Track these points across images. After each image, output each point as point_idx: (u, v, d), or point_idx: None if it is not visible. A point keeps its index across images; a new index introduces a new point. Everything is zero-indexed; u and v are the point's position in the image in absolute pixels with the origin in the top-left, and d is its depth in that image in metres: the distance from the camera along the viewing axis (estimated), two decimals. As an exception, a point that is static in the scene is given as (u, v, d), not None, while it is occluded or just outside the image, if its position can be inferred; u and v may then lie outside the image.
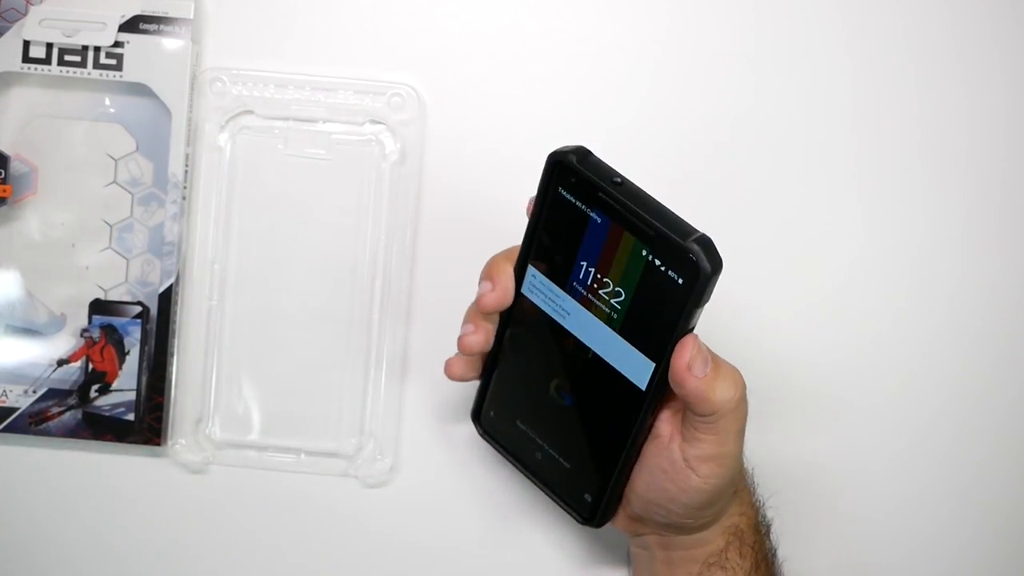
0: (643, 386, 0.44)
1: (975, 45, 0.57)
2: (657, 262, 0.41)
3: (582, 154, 0.43)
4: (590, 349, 0.45)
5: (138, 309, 0.56)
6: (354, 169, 0.57)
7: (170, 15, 0.55)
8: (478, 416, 0.51)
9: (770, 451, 0.57)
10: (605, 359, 0.45)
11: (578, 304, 0.45)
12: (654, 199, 0.42)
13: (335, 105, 0.56)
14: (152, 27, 0.55)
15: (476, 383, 0.50)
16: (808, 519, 0.58)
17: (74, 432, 0.56)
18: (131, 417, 0.56)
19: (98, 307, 0.56)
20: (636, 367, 0.44)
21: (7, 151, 0.56)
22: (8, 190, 0.56)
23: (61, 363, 0.57)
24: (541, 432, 0.49)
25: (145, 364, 0.56)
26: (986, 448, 0.58)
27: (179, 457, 0.57)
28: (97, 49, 0.55)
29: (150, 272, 0.57)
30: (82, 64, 0.55)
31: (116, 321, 0.56)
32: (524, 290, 0.47)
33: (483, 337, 0.47)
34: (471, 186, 0.57)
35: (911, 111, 0.58)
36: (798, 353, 0.58)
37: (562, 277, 0.45)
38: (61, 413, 0.57)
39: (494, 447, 0.51)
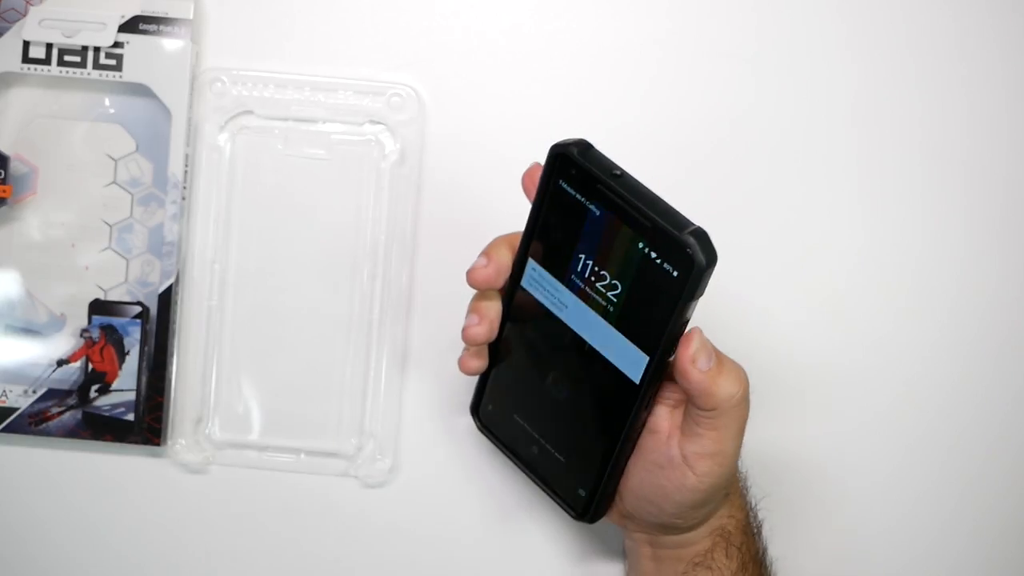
0: (637, 380, 0.44)
1: (976, 45, 0.57)
2: (653, 255, 0.41)
3: (583, 147, 0.43)
4: (586, 342, 0.45)
5: (138, 309, 0.56)
6: (354, 169, 0.57)
7: (170, 15, 0.55)
8: (477, 410, 0.51)
9: (769, 450, 0.58)
10: (600, 352, 0.45)
11: (576, 297, 0.45)
12: (652, 192, 0.42)
13: (335, 105, 0.56)
14: (152, 27, 0.55)
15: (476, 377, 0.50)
16: (806, 519, 0.58)
17: (74, 432, 0.56)
18: (131, 417, 0.56)
19: (98, 307, 0.56)
20: (630, 360, 0.44)
21: (7, 151, 0.56)
22: (8, 190, 0.56)
23: (61, 363, 0.57)
24: (538, 426, 0.49)
25: (145, 364, 0.56)
26: (986, 451, 0.58)
27: (179, 457, 0.57)
28: (97, 49, 0.55)
29: (150, 272, 0.57)
30: (82, 64, 0.55)
31: (116, 321, 0.56)
32: (524, 283, 0.47)
33: (486, 328, 0.47)
34: (471, 186, 0.57)
35: (911, 111, 0.58)
36: (798, 353, 0.58)
37: (561, 270, 0.45)
38: (61, 413, 0.57)
39: (492, 441, 0.51)
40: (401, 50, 0.57)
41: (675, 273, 0.41)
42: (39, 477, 0.58)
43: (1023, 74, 0.58)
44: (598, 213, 0.43)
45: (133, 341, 0.56)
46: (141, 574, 0.58)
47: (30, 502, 0.58)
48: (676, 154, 0.57)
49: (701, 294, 0.42)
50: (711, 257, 0.41)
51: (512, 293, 0.47)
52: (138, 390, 0.56)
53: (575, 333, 0.45)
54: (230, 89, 0.56)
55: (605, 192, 0.42)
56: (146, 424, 0.56)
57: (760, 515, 0.52)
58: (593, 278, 0.44)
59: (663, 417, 0.46)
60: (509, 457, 0.51)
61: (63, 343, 0.57)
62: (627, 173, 0.43)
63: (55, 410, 0.57)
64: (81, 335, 0.56)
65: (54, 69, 0.55)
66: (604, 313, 0.44)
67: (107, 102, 0.57)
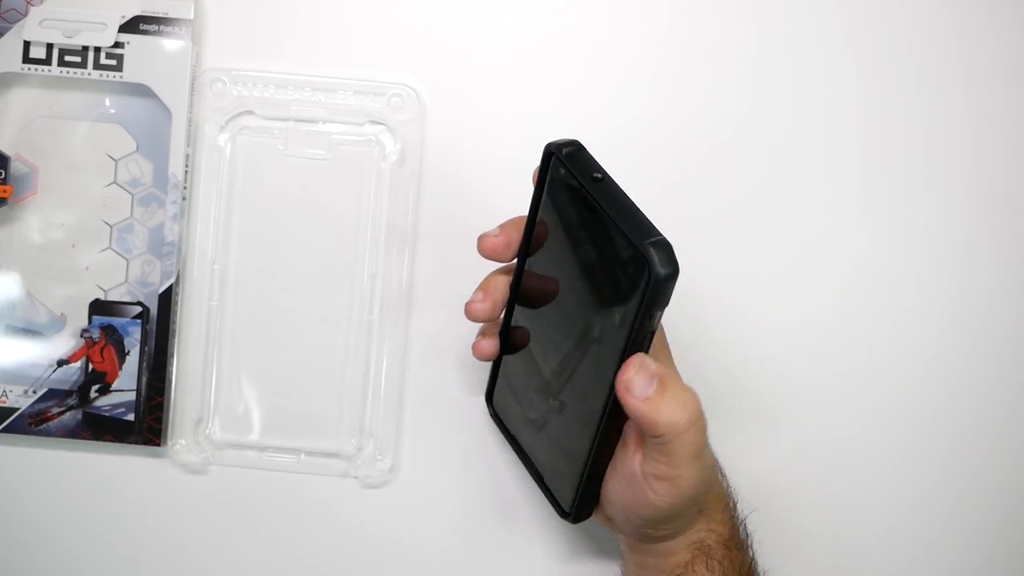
0: (608, 385, 0.43)
1: (976, 45, 0.57)
2: (617, 262, 0.41)
3: (572, 148, 0.43)
4: (575, 341, 0.45)
5: (138, 309, 0.56)
6: (354, 169, 0.57)
7: (170, 16, 0.55)
8: (491, 397, 0.51)
9: (769, 453, 0.58)
10: (583, 353, 0.45)
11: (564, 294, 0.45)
12: (627, 200, 0.42)
13: (335, 105, 0.56)
14: (152, 28, 0.55)
15: (483, 374, 0.51)
16: (806, 519, 0.58)
17: (74, 432, 0.56)
18: (131, 417, 0.56)
19: (98, 307, 0.57)
20: (604, 364, 0.43)
21: (8, 151, 0.56)
22: (8, 190, 0.56)
23: (61, 363, 0.57)
24: (538, 421, 0.49)
25: (145, 364, 0.56)
26: (986, 453, 0.58)
27: (179, 457, 0.57)
28: (97, 50, 0.55)
29: (150, 272, 0.57)
30: (82, 65, 0.55)
31: (116, 321, 0.56)
32: (527, 268, 0.47)
33: (489, 306, 0.47)
34: (471, 186, 0.57)
35: (911, 111, 0.58)
36: (797, 353, 0.58)
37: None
38: (61, 413, 0.57)
39: (500, 430, 0.51)
40: (401, 50, 0.57)
41: (636, 282, 0.40)
42: (39, 477, 0.58)
43: (1023, 74, 0.58)
44: (577, 215, 0.43)
45: (133, 341, 0.56)
46: (141, 574, 0.58)
47: (30, 502, 0.58)
48: (676, 154, 0.57)
49: (663, 306, 0.41)
50: (670, 269, 0.39)
51: (518, 279, 0.47)
52: (138, 390, 0.56)
53: (567, 330, 0.45)
54: (230, 89, 0.56)
55: (583, 194, 0.42)
56: (146, 424, 0.56)
57: (746, 530, 0.51)
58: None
59: (632, 430, 0.45)
60: (513, 448, 0.51)
61: (63, 343, 0.57)
62: (608, 177, 0.42)
63: (55, 410, 0.57)
64: (81, 335, 0.56)
65: (54, 69, 0.55)
66: (585, 314, 0.44)
67: (107, 102, 0.57)
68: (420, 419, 0.58)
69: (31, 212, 0.57)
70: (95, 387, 0.56)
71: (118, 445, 0.57)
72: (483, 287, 0.48)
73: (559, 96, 0.57)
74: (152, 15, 0.55)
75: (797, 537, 0.58)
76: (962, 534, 0.58)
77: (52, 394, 0.56)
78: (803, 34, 0.57)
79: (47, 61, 0.55)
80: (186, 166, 0.56)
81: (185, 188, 0.56)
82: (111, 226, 0.57)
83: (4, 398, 0.56)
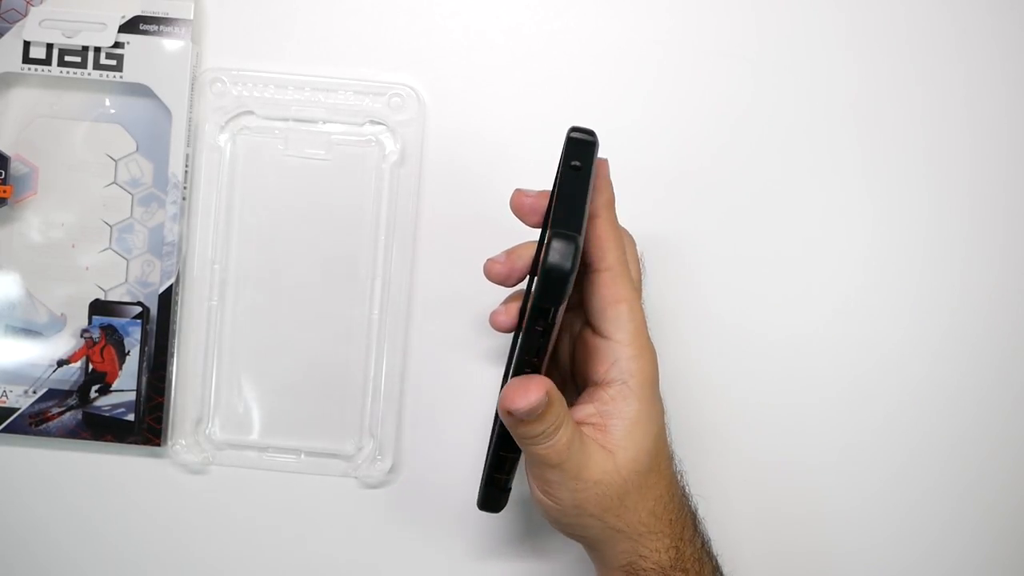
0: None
1: (976, 45, 0.57)
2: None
3: (579, 135, 0.43)
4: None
5: (138, 309, 0.56)
6: (354, 169, 0.57)
7: (170, 16, 0.55)
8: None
9: (768, 452, 0.58)
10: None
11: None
12: (581, 192, 0.41)
13: (335, 105, 0.56)
14: (152, 28, 0.55)
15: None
16: (806, 521, 0.58)
17: (74, 432, 0.56)
18: (131, 417, 0.56)
19: (98, 307, 0.57)
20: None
21: (8, 152, 0.56)
22: (8, 190, 0.56)
23: (61, 363, 0.57)
24: None
25: (145, 364, 0.56)
26: (986, 455, 0.58)
27: (179, 457, 0.57)
28: (97, 50, 0.55)
29: (150, 272, 0.57)
30: (82, 65, 0.55)
31: (116, 321, 0.56)
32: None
33: (505, 270, 0.48)
34: (471, 186, 0.57)
35: (912, 111, 0.58)
36: (797, 353, 0.58)
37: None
38: (61, 413, 0.57)
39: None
40: (401, 50, 0.57)
41: (541, 271, 0.39)
42: (39, 477, 0.58)
43: (1023, 74, 0.58)
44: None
45: (133, 341, 0.56)
46: (141, 574, 0.58)
47: (30, 502, 0.58)
48: (676, 154, 0.57)
49: (554, 303, 0.39)
50: (559, 265, 0.38)
51: (537, 254, 0.47)
52: (138, 390, 0.56)
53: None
54: (230, 89, 0.56)
55: (556, 179, 0.42)
56: (146, 424, 0.56)
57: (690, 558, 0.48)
58: None
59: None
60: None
61: (63, 343, 0.57)
62: (586, 170, 0.41)
63: (55, 410, 0.57)
64: (81, 335, 0.56)
65: (54, 69, 0.55)
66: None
67: (107, 102, 0.57)
68: (420, 419, 0.58)
69: (31, 212, 0.57)
70: (95, 387, 0.56)
71: (118, 445, 0.57)
72: (509, 251, 0.48)
73: (559, 96, 0.57)
74: (152, 15, 0.55)
75: (798, 537, 0.58)
76: (962, 535, 0.58)
77: (52, 394, 0.56)
78: (803, 34, 0.57)
79: (47, 61, 0.55)
80: (186, 166, 0.56)
81: (185, 188, 0.56)
82: (111, 226, 0.57)
83: (4, 398, 0.56)
